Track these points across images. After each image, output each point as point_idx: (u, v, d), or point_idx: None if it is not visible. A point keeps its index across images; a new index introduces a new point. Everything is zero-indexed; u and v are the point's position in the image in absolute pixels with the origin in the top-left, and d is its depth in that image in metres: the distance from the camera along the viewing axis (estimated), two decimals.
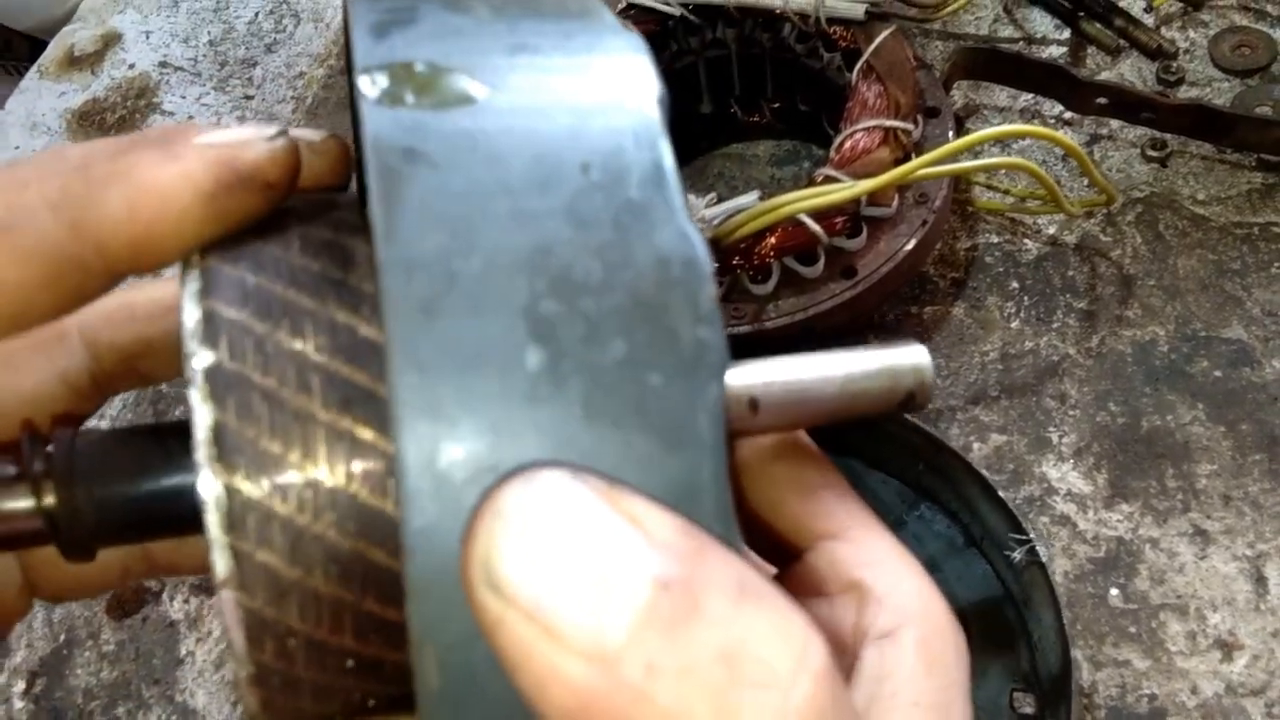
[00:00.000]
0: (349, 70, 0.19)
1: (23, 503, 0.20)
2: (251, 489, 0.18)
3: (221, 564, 0.18)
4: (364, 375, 0.19)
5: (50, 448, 0.20)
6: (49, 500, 0.20)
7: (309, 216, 0.21)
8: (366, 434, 0.18)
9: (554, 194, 0.18)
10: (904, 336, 0.59)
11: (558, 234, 0.17)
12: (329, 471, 0.18)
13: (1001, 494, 0.49)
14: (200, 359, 0.18)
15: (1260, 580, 0.49)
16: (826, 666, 0.16)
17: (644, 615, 0.15)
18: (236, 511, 0.18)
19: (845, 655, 0.21)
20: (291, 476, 0.18)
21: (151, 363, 0.26)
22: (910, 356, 0.20)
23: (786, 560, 0.23)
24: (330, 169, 0.22)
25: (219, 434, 0.18)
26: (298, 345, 0.18)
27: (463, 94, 0.19)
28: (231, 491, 0.18)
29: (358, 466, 0.18)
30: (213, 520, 0.18)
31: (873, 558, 0.22)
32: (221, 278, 0.19)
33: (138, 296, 0.26)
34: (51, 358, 0.25)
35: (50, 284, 0.19)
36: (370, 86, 0.18)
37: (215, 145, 0.20)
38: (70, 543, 0.20)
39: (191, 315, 0.19)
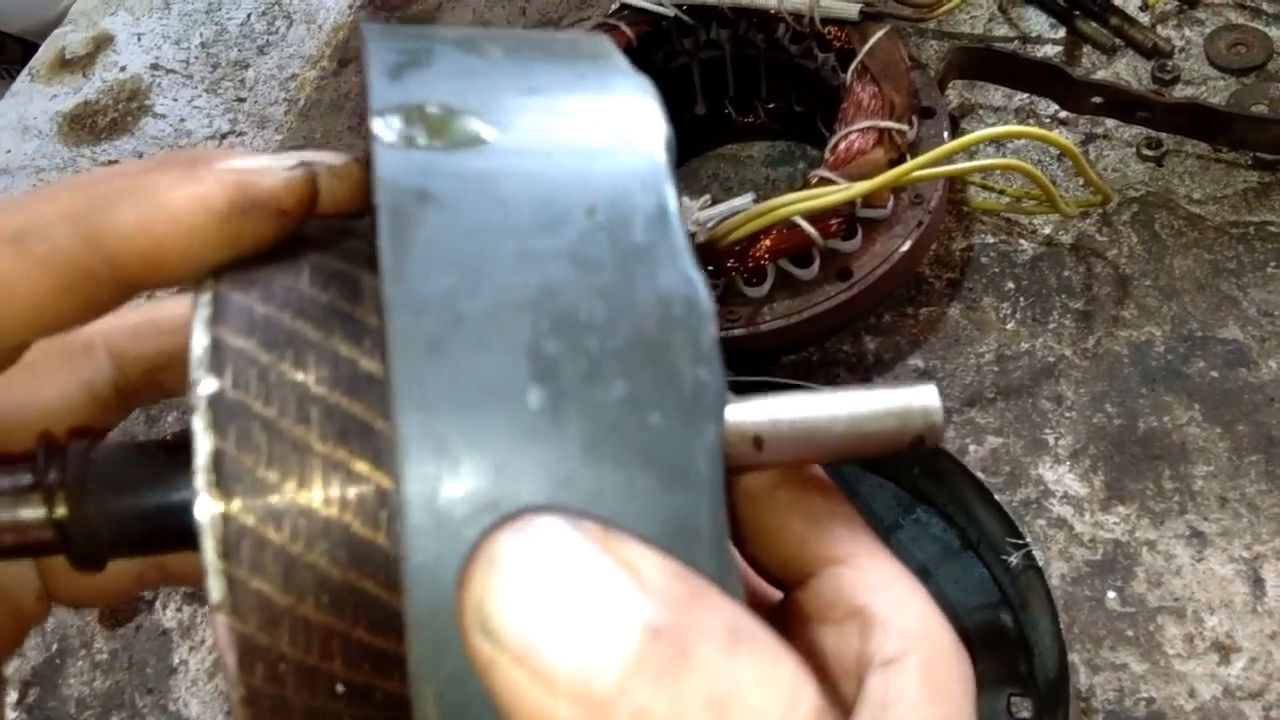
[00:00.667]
0: (366, 108, 0.20)
1: (35, 512, 0.20)
2: (247, 516, 0.18)
3: (216, 589, 0.18)
4: (362, 408, 0.19)
5: (66, 459, 0.20)
6: (61, 511, 0.20)
7: (323, 245, 0.21)
8: (362, 466, 0.18)
9: (560, 236, 0.18)
10: (899, 337, 0.59)
11: (562, 275, 0.18)
12: (323, 501, 0.18)
13: (998, 497, 0.48)
14: (205, 386, 0.18)
15: (1257, 582, 0.49)
16: (817, 711, 0.16)
17: (634, 662, 0.15)
18: (231, 538, 0.18)
19: (849, 682, 0.20)
20: (286, 505, 0.18)
21: (173, 375, 0.26)
22: (921, 398, 0.20)
23: (791, 586, 0.23)
24: (351, 194, 0.22)
25: (218, 461, 0.18)
26: (300, 377, 0.19)
27: (474, 135, 0.19)
28: (227, 518, 0.18)
29: (352, 497, 0.18)
30: (208, 546, 0.18)
31: (877, 583, 0.21)
32: (231, 305, 0.19)
33: (161, 310, 0.27)
34: (77, 368, 0.26)
35: (63, 292, 0.20)
36: (384, 129, 0.19)
37: (234, 170, 0.20)
38: (81, 554, 0.20)
39: (200, 342, 0.19)
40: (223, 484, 0.18)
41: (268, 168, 0.20)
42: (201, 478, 0.18)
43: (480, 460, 0.16)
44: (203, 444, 0.18)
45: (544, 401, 0.17)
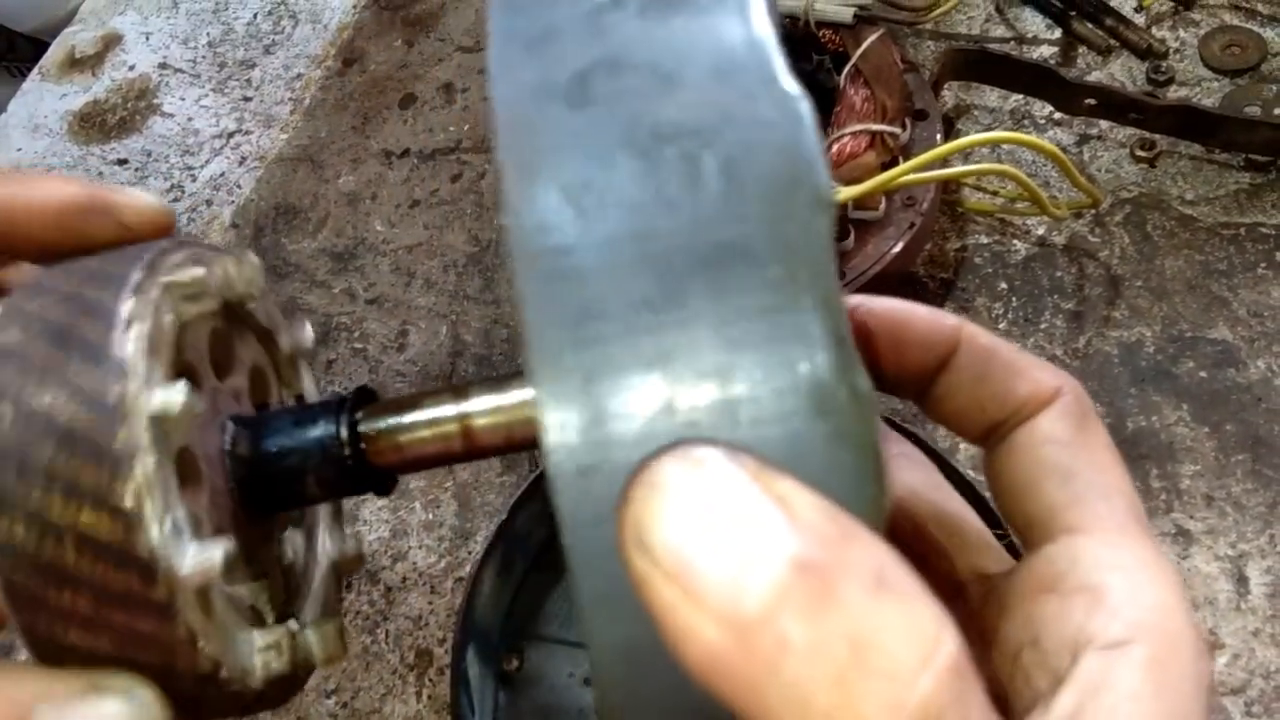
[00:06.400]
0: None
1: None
2: None
3: None
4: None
5: None
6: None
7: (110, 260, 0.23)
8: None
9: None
10: None
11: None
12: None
13: (985, 494, 0.49)
14: None
15: (1241, 580, 0.49)
16: (955, 666, 0.16)
17: (781, 592, 0.16)
18: None
19: (1062, 656, 0.20)
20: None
21: None
22: None
23: (1031, 548, 0.23)
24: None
25: None
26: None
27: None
28: None
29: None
30: None
31: (1118, 562, 0.21)
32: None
33: None
34: None
35: None
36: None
37: (99, 184, 0.26)
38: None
39: None
40: None
41: (127, 191, 0.25)
42: None
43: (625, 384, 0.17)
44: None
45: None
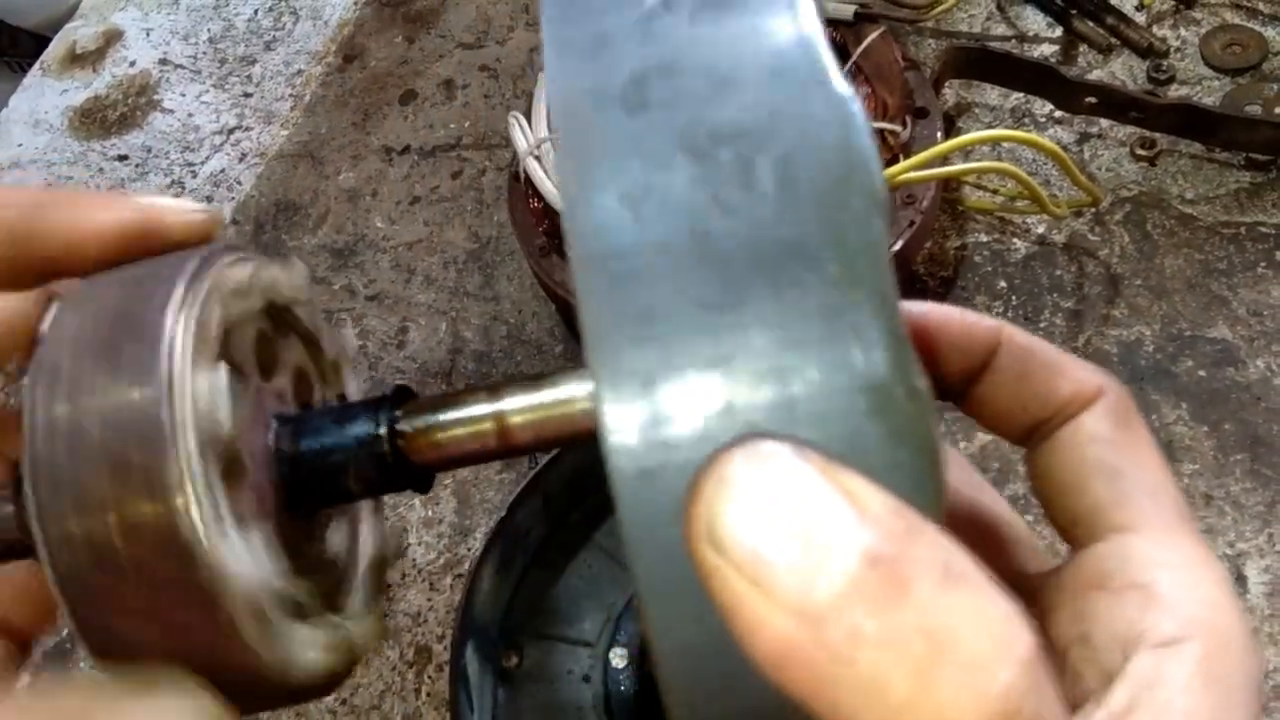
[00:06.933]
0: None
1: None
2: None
3: None
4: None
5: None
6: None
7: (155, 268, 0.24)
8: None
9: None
10: None
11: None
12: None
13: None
14: None
15: (1240, 579, 0.49)
16: (1031, 656, 0.16)
17: (853, 584, 0.16)
18: None
19: (1112, 653, 0.20)
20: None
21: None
22: None
23: (1078, 546, 0.23)
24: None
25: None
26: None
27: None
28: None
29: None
30: None
31: (1168, 560, 0.21)
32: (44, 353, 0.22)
33: None
34: None
35: (3, 263, 0.25)
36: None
37: (147, 204, 0.26)
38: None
39: None
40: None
41: (171, 207, 0.26)
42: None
43: (681, 379, 0.17)
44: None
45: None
